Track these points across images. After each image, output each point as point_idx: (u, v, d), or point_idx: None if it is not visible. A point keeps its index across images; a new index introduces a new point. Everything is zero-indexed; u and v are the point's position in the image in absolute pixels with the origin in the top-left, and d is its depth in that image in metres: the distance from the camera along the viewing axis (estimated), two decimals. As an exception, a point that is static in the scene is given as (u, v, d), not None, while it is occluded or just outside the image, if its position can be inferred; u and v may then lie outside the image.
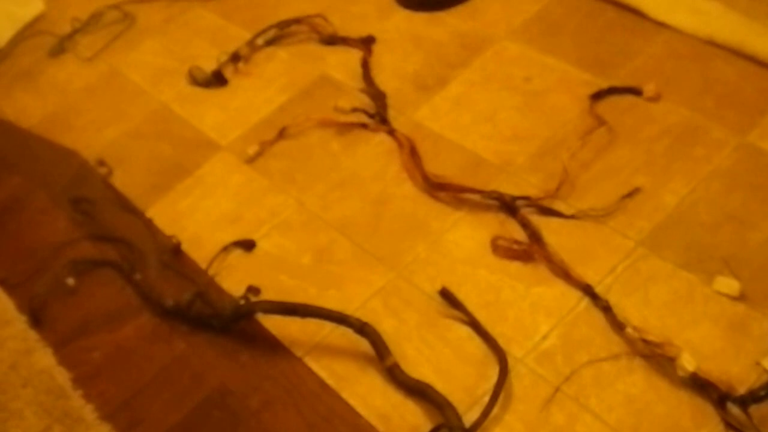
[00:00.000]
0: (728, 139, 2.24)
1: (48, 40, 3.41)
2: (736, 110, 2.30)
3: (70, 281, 2.43)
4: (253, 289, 2.22)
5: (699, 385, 1.78)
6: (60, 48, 3.37)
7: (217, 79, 2.95)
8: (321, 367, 2.06)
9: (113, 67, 3.20)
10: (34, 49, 3.42)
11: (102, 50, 3.29)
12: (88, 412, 2.11)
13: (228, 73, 2.96)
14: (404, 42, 2.85)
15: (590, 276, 2.03)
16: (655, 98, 2.38)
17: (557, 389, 1.87)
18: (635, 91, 2.41)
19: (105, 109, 3.04)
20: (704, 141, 2.25)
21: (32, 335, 2.33)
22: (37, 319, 2.37)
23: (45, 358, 2.26)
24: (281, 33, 3.04)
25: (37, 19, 3.56)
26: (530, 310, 2.02)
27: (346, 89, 2.75)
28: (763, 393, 1.72)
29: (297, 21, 3.03)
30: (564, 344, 1.94)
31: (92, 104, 3.08)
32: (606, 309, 1.96)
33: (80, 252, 2.52)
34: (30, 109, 3.14)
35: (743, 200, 2.10)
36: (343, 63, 2.84)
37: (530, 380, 1.90)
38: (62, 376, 2.20)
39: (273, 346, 2.13)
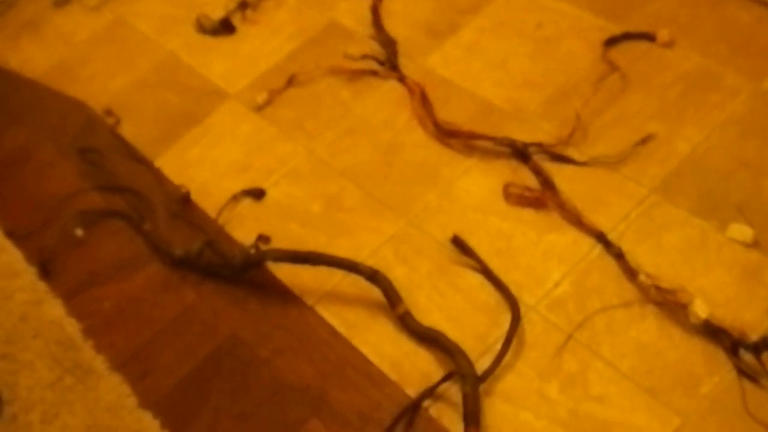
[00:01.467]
0: (742, 85, 2.23)
1: (53, -10, 3.41)
2: (751, 57, 2.29)
3: (79, 232, 2.44)
4: (263, 238, 2.23)
5: (711, 332, 1.80)
6: (65, -3, 3.37)
7: (225, 27, 2.94)
8: (332, 315, 2.07)
9: (119, 16, 3.19)
10: (39, -2, 3.43)
11: (108, -1, 3.29)
12: (99, 362, 2.13)
13: (236, 20, 2.96)
14: (415, -12, 2.85)
15: (603, 223, 2.04)
16: (669, 44, 2.37)
17: (569, 336, 1.88)
18: (649, 37, 2.40)
19: (112, 58, 3.04)
20: (718, 87, 2.24)
21: (41, 286, 2.35)
22: (46, 270, 2.39)
23: (55, 309, 2.28)
24: (289, -20, 3.04)
25: (41, -32, 3.56)
26: (542, 258, 2.03)
27: (355, 36, 2.74)
28: (776, 339, 1.74)
29: (305, -32, 3.03)
30: (576, 291, 1.95)
31: (98, 54, 3.08)
32: (619, 256, 1.97)
33: (88, 203, 2.53)
34: (36, 60, 3.14)
35: (757, 147, 2.10)
36: (353, 10, 2.83)
37: (542, 327, 1.92)
38: (72, 327, 2.22)
39: (283, 294, 2.15)
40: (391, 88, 2.54)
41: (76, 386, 2.09)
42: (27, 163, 2.75)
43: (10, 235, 2.51)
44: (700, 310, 1.81)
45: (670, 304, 1.86)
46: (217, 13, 2.97)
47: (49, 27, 3.27)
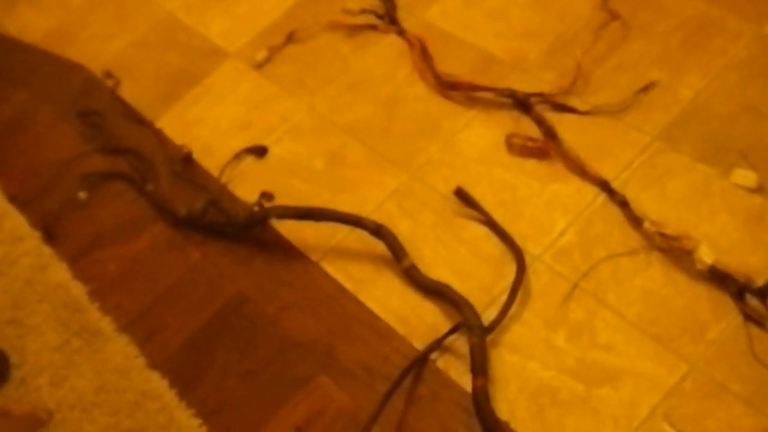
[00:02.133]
0: (744, 30, 2.21)
1: (48, -48, 3.39)
2: (752, 0, 2.27)
3: (82, 195, 2.44)
4: (266, 195, 2.23)
5: (717, 277, 1.80)
6: (60, -40, 3.35)
7: (223, -15, 2.93)
8: (337, 271, 2.08)
9: (116, -23, 3.18)
10: (33, -38, 3.41)
11: (103, -40, 3.27)
12: (106, 324, 2.14)
13: (233, -22, 2.95)
14: (412, -60, 2.83)
15: (606, 172, 2.04)
16: (670, -10, 2.36)
17: (575, 285, 1.88)
18: (649, -16, 2.39)
19: (109, 20, 3.02)
20: (720, 33, 2.23)
21: (46, 251, 2.35)
22: (50, 234, 2.39)
23: (60, 272, 2.29)
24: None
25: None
26: (546, 208, 2.03)
27: (354, -10, 2.74)
28: (782, 283, 1.74)
29: None
30: (581, 240, 1.96)
31: (96, 16, 3.06)
32: (623, 204, 1.97)
33: (90, 165, 2.53)
34: (33, 24, 3.13)
35: (760, 91, 2.09)
36: (351, -36, 2.82)
37: (548, 277, 1.92)
38: (78, 290, 2.23)
39: (288, 251, 2.15)
40: (390, 42, 2.53)
41: (84, 349, 2.10)
42: (28, 128, 2.75)
43: (13, 200, 2.51)
44: (706, 255, 1.81)
45: (675, 251, 1.86)
46: (214, -28, 2.95)
47: (46, -10, 3.26)
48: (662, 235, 1.88)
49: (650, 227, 1.89)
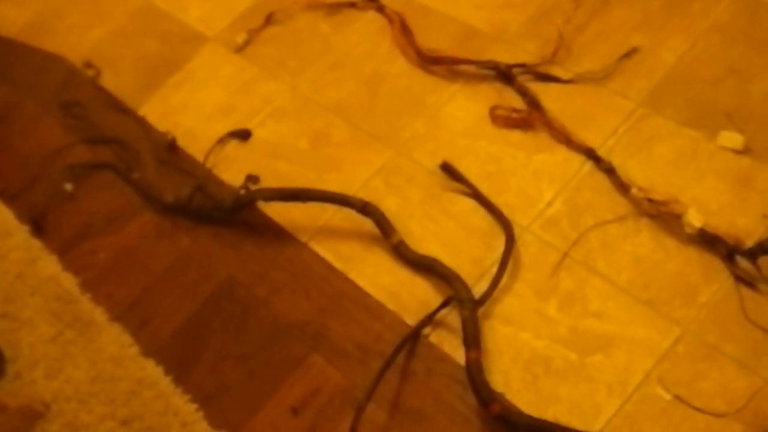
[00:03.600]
0: (725, -9, 2.23)
1: (21, -56, 3.38)
2: (732, -39, 2.28)
3: (68, 186, 2.44)
4: (252, 178, 2.23)
5: (707, 240, 1.81)
6: (34, -49, 3.33)
7: (199, -30, 2.92)
8: (326, 250, 2.08)
9: (91, -35, 3.17)
10: (7, -46, 3.39)
11: (77, -50, 3.26)
12: (99, 314, 2.14)
13: (209, -39, 2.94)
14: None
15: (592, 139, 2.04)
16: (649, -46, 2.36)
17: (565, 255, 1.89)
18: (628, -51, 2.39)
19: (87, 10, 3.02)
20: (701, -5, 2.24)
21: (35, 244, 2.35)
22: (38, 227, 2.39)
23: (50, 265, 2.29)
24: None
25: None
26: (533, 178, 2.04)
27: (331, -31, 2.73)
28: (771, 244, 1.75)
29: None
30: (569, 209, 1.96)
31: (73, 6, 3.06)
32: (610, 171, 1.97)
33: (75, 156, 2.53)
34: (10, 17, 3.12)
35: (743, 53, 2.09)
36: (327, -58, 2.81)
37: (537, 248, 1.93)
38: (69, 282, 2.23)
39: (277, 233, 2.16)
40: (370, 19, 2.53)
41: (78, 339, 2.10)
42: (10, 122, 2.74)
43: (0, 194, 2.51)
44: (695, 219, 1.82)
45: (663, 216, 1.87)
46: (189, -44, 2.95)
47: (21, -17, 3.25)
48: (650, 200, 1.88)
49: (638, 193, 1.90)
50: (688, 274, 1.79)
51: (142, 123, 2.54)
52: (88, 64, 2.78)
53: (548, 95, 2.16)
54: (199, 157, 2.37)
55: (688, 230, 1.82)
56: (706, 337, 1.70)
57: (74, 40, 2.92)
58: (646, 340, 1.73)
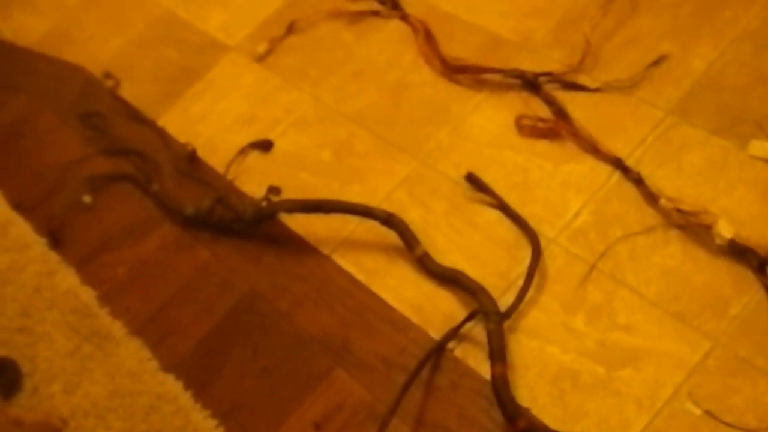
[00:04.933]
0: (755, -3, 2.23)
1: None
2: (763, -33, 2.28)
3: (87, 198, 2.47)
4: (273, 189, 2.25)
5: (737, 251, 1.81)
6: (53, -40, 3.37)
7: (220, -22, 2.95)
8: (349, 263, 2.10)
9: (110, -26, 3.20)
10: (26, -36, 3.43)
11: (96, -42, 3.29)
12: (117, 328, 2.16)
13: (230, -30, 2.96)
14: None
15: (620, 149, 2.05)
16: (678, -40, 2.37)
17: (593, 267, 1.90)
18: (656, -45, 2.40)
19: (106, 19, 3.05)
20: (730, 2, 2.23)
21: (53, 257, 2.38)
22: (56, 240, 2.42)
23: (68, 278, 2.31)
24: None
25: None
26: (560, 189, 2.05)
27: (354, -24, 2.75)
28: (804, 254, 1.75)
29: None
30: (597, 220, 1.97)
31: (92, 16, 3.09)
32: (638, 181, 1.98)
33: (94, 168, 2.55)
34: (29, 28, 3.15)
35: (775, 60, 2.10)
36: (350, -50, 2.83)
37: (564, 260, 1.93)
38: (87, 295, 2.26)
39: (299, 245, 2.17)
40: (394, 27, 2.55)
41: (96, 353, 2.12)
42: (29, 133, 2.77)
43: (18, 207, 2.54)
44: (725, 230, 1.82)
45: (693, 227, 1.87)
46: (210, -35, 2.97)
47: (40, -7, 3.29)
48: (679, 211, 1.89)
49: (667, 203, 1.91)
50: (718, 286, 1.80)
51: (161, 134, 2.57)
52: (107, 75, 2.80)
53: (575, 104, 2.16)
54: (220, 168, 2.39)
55: (718, 241, 1.82)
56: (737, 350, 1.71)
57: (93, 50, 2.95)
58: (675, 353, 1.73)
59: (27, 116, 2.83)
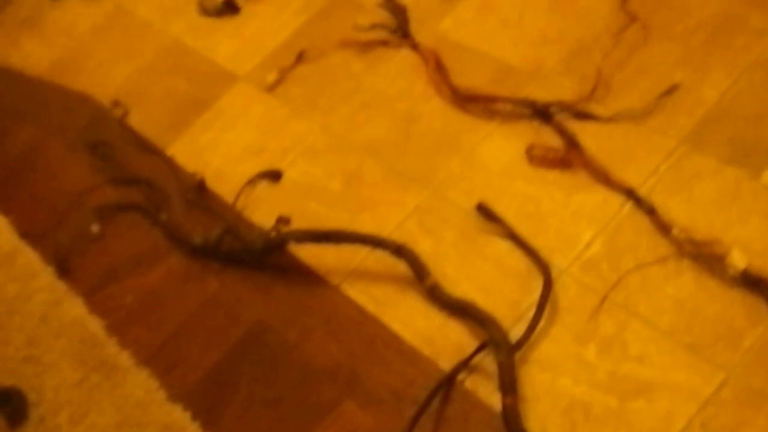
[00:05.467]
0: (768, 26, 2.24)
1: (48, -16, 3.44)
2: (775, -5, 2.29)
3: (95, 228, 2.48)
4: (283, 220, 2.24)
5: (751, 282, 1.81)
6: (61, -10, 3.40)
7: (229, 7, 2.96)
8: (359, 294, 2.10)
9: (118, 4, 3.22)
10: (34, -6, 3.46)
11: (105, -12, 3.32)
12: (125, 358, 2.17)
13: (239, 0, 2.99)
14: (422, -49, 2.86)
15: (632, 179, 2.05)
16: (689, -11, 2.38)
17: (605, 297, 1.90)
18: (668, -16, 2.41)
19: (114, 48, 3.07)
20: (743, 30, 2.24)
21: (60, 286, 2.38)
22: (64, 269, 2.43)
23: (76, 307, 2.32)
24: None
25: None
26: (572, 219, 2.05)
27: (364, 5, 2.76)
28: (818, 285, 1.75)
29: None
30: (609, 251, 1.97)
31: (101, 45, 3.11)
32: (650, 211, 1.98)
33: (102, 197, 2.56)
34: (37, 56, 3.18)
35: (788, 89, 2.11)
36: (359, -21, 2.86)
37: (576, 290, 1.93)
38: (95, 324, 2.26)
39: (308, 276, 2.18)
40: (404, 57, 2.56)
41: (103, 384, 2.12)
42: (37, 162, 2.79)
43: (26, 235, 2.55)
44: (738, 260, 1.82)
45: (706, 257, 1.87)
46: (219, -6, 3.00)
47: (48, 21, 3.31)
48: (692, 241, 1.89)
49: (679, 234, 1.91)
50: (731, 316, 1.79)
51: (170, 163, 2.58)
52: (116, 103, 2.82)
53: (587, 134, 2.17)
54: (229, 198, 2.40)
55: (732, 272, 1.82)
56: (751, 381, 1.70)
57: (101, 79, 2.97)
58: (688, 385, 1.73)
59: (35, 145, 2.85)
